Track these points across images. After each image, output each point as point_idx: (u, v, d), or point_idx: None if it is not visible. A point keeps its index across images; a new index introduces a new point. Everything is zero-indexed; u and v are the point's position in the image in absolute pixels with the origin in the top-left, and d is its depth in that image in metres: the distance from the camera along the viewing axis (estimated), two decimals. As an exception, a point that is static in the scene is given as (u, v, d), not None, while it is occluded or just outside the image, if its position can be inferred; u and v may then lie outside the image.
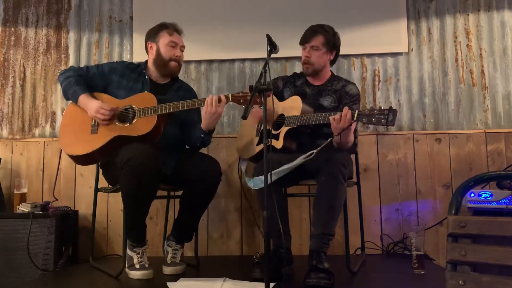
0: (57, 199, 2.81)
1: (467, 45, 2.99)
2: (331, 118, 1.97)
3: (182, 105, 2.11)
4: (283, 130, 2.19)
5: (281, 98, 2.36)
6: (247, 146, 2.44)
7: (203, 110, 2.11)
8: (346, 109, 1.93)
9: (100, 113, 2.12)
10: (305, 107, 2.20)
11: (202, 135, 2.20)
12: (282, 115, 2.26)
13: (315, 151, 1.96)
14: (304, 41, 2.31)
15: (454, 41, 3.00)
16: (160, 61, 2.29)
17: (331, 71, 2.42)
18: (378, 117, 1.81)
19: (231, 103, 2.16)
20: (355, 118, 1.89)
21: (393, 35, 2.98)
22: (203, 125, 2.16)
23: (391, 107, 1.81)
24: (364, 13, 3.00)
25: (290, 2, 3.03)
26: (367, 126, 2.94)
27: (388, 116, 1.79)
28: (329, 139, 1.96)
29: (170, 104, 2.11)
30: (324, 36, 2.29)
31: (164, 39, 2.30)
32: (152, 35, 2.34)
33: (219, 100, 2.08)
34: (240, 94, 2.08)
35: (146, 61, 2.38)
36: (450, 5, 3.02)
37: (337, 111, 2.20)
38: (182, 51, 2.35)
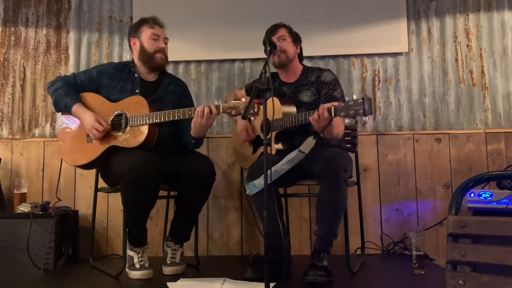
0: (60, 200, 2.80)
1: (467, 45, 2.99)
2: (310, 119, 1.97)
3: (173, 115, 2.09)
4: (272, 135, 2.19)
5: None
6: (245, 157, 2.47)
7: (193, 120, 2.09)
8: (322, 107, 1.93)
9: (92, 133, 2.13)
10: (286, 108, 2.20)
11: (192, 141, 2.22)
12: (266, 120, 2.26)
13: (296, 152, 1.96)
14: (269, 35, 2.29)
15: (454, 41, 3.00)
16: (145, 55, 2.28)
17: (303, 64, 2.42)
18: (355, 109, 1.80)
19: (222, 114, 2.11)
20: (333, 115, 1.89)
21: (393, 35, 2.99)
22: (192, 132, 2.15)
23: (364, 96, 1.79)
24: (364, 13, 3.00)
25: (290, 2, 3.03)
26: (361, 123, 2.93)
27: (364, 105, 1.78)
28: (312, 140, 1.96)
29: (161, 113, 2.10)
30: (286, 28, 2.35)
31: (145, 33, 2.29)
32: (133, 31, 2.33)
33: (210, 111, 2.05)
34: (232, 105, 2.02)
35: (133, 59, 2.36)
36: (450, 5, 3.02)
37: (319, 104, 2.21)
38: (166, 43, 2.33)
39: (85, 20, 3.19)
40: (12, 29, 3.21)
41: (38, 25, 3.20)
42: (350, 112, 1.82)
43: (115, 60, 3.11)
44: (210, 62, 3.11)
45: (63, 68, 3.15)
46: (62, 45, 3.18)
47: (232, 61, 3.10)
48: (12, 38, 3.20)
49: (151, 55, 2.27)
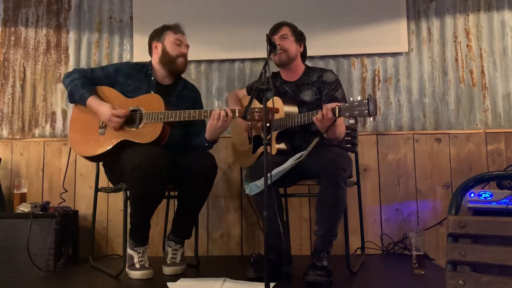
0: (66, 190, 2.79)
1: (467, 45, 2.99)
2: (314, 118, 1.97)
3: (188, 115, 2.13)
4: (273, 134, 2.19)
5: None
6: (244, 156, 2.47)
7: (209, 122, 2.13)
8: (326, 107, 1.92)
9: (113, 121, 2.14)
10: (288, 108, 2.20)
11: (206, 144, 2.25)
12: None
13: (304, 153, 1.97)
14: (272, 34, 2.31)
15: (454, 41, 3.00)
16: (166, 59, 2.31)
17: (305, 64, 2.42)
18: (359, 109, 1.80)
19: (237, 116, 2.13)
20: (337, 115, 1.89)
21: (393, 35, 2.98)
22: (207, 135, 2.19)
23: (369, 96, 1.79)
24: (364, 13, 3.00)
25: (290, 2, 3.03)
26: (361, 123, 2.94)
27: (368, 106, 1.78)
28: (316, 139, 1.97)
29: (177, 112, 2.13)
30: (289, 26, 2.34)
31: (169, 38, 2.33)
32: (156, 35, 2.37)
33: (226, 114, 2.09)
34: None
35: (150, 61, 2.39)
36: (450, 5, 3.02)
37: (320, 104, 2.22)
38: (187, 49, 2.38)
39: (85, 20, 3.19)
40: (12, 29, 3.21)
41: (38, 25, 3.20)
42: (355, 112, 1.82)
43: (115, 60, 3.12)
44: (210, 62, 3.11)
45: (63, 68, 3.15)
46: (62, 45, 3.18)
47: (232, 61, 3.10)
48: (12, 38, 3.20)
49: (173, 59, 2.31)
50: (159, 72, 2.36)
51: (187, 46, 2.38)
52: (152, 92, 2.28)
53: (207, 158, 2.22)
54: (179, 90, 2.38)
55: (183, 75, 2.47)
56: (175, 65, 2.32)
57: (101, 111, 2.17)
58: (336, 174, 1.97)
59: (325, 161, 2.00)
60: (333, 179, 1.98)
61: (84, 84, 2.22)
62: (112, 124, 2.16)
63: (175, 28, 2.36)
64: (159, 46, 2.34)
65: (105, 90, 2.27)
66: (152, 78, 2.34)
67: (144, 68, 2.36)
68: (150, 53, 2.40)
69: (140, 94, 2.26)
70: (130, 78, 2.31)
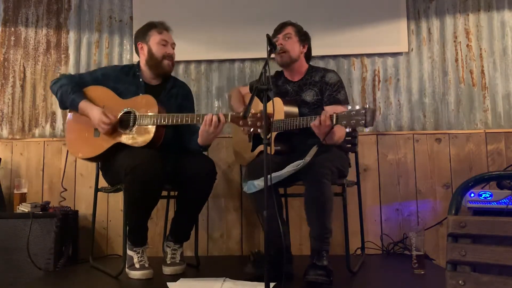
0: (65, 189, 2.76)
1: (467, 45, 2.99)
2: (311, 125, 1.96)
3: (181, 119, 2.11)
4: (272, 135, 2.19)
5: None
6: (243, 154, 2.47)
7: (201, 127, 2.10)
8: (324, 114, 1.92)
9: (100, 126, 2.14)
10: (288, 108, 2.20)
11: (199, 148, 2.21)
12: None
13: (302, 161, 1.97)
14: (276, 33, 2.30)
15: (454, 41, 3.00)
16: (153, 61, 2.28)
17: (309, 64, 2.41)
18: (356, 119, 1.80)
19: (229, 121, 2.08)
20: (334, 122, 1.89)
21: (393, 35, 2.99)
22: (200, 140, 2.14)
23: (368, 107, 1.80)
24: (364, 13, 3.00)
25: (290, 2, 3.04)
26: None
27: (366, 116, 1.78)
28: (315, 148, 1.97)
29: (169, 115, 2.12)
30: (294, 26, 2.33)
31: (154, 38, 2.28)
32: (141, 35, 2.33)
33: (218, 120, 2.05)
34: (240, 115, 1.97)
35: (138, 62, 2.37)
36: (450, 5, 3.02)
37: (321, 105, 2.22)
38: (173, 48, 2.34)
39: (85, 20, 3.19)
40: (12, 29, 3.21)
41: (38, 25, 3.20)
42: (352, 122, 1.82)
43: (115, 60, 3.12)
44: (210, 62, 3.11)
45: (63, 68, 3.15)
46: (62, 45, 3.18)
47: (232, 61, 3.10)
48: (12, 38, 3.20)
49: (159, 61, 2.27)
50: (146, 73, 2.33)
51: (174, 45, 2.34)
52: (141, 94, 2.25)
53: (206, 163, 2.21)
54: (168, 89, 2.36)
55: (180, 76, 2.46)
56: (161, 68, 2.29)
57: (92, 115, 2.16)
58: (316, 172, 1.97)
59: (309, 162, 1.99)
60: (314, 178, 1.98)
61: (74, 89, 2.20)
62: (100, 129, 2.15)
63: (160, 27, 2.31)
64: (145, 47, 2.30)
65: (99, 89, 2.26)
66: (141, 79, 2.32)
67: (131, 70, 2.34)
68: (137, 53, 2.36)
69: (130, 96, 2.24)
70: (118, 82, 2.29)
